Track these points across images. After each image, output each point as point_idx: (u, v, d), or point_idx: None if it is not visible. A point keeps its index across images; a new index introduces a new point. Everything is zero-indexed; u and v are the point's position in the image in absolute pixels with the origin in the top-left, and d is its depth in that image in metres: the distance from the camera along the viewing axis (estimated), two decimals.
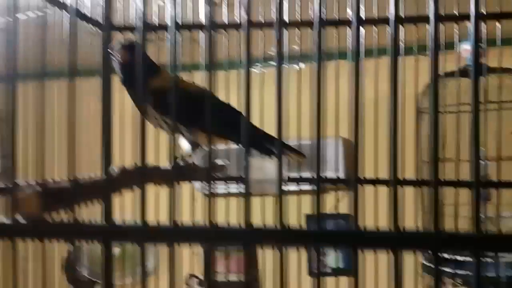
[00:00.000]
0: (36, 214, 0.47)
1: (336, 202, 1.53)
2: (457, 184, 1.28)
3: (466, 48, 2.07)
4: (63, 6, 1.14)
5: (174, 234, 0.45)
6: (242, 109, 1.20)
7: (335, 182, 1.42)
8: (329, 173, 1.47)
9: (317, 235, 0.43)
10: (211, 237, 0.45)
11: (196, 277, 3.36)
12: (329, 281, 1.42)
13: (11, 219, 0.47)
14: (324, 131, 1.36)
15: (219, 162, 1.26)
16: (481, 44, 1.99)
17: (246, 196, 0.45)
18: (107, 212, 0.46)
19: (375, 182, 1.33)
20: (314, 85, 1.44)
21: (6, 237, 0.47)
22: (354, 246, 0.42)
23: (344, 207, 1.41)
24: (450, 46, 1.38)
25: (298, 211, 1.40)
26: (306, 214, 1.39)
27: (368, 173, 1.36)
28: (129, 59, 1.05)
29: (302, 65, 1.46)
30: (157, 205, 1.32)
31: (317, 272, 0.50)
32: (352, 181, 0.45)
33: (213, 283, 1.56)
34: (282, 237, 0.44)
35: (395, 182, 0.41)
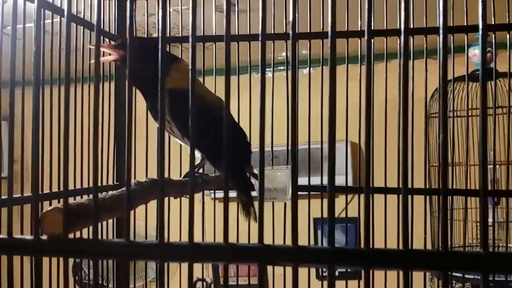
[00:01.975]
0: (58, 232, 0.48)
1: (344, 206, 1.53)
2: (467, 193, 1.29)
3: (475, 52, 2.07)
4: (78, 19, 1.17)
5: (193, 253, 0.47)
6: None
7: (345, 190, 1.42)
8: (337, 177, 1.48)
9: (332, 255, 0.44)
10: (228, 256, 0.46)
11: (204, 280, 3.37)
12: (338, 285, 1.42)
13: (34, 237, 0.48)
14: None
15: None
16: (489, 49, 1.99)
17: (261, 216, 0.47)
18: (127, 229, 0.48)
19: (384, 191, 1.34)
20: (319, 91, 1.43)
21: (30, 254, 0.49)
22: (367, 266, 0.44)
23: (352, 211, 1.41)
24: (459, 49, 1.38)
25: (305, 214, 1.42)
26: (314, 218, 1.40)
27: (378, 178, 1.36)
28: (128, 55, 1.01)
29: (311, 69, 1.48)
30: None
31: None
32: (366, 196, 0.47)
33: None
34: (297, 257, 0.45)
35: (405, 209, 0.42)
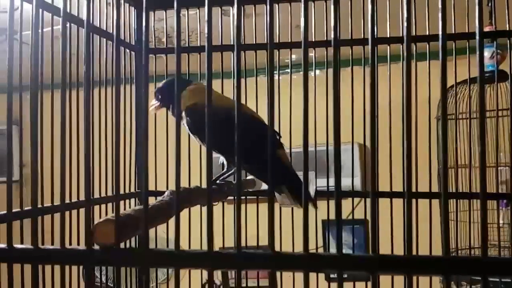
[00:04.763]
0: (109, 242, 0.50)
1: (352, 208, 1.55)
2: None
3: (485, 54, 2.07)
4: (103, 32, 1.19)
5: (241, 262, 0.49)
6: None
7: (351, 195, 1.43)
8: (345, 180, 1.48)
9: (377, 263, 0.46)
10: (274, 264, 0.48)
11: (213, 282, 3.37)
12: (346, 286, 1.43)
13: (87, 247, 0.50)
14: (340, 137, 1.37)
15: (249, 176, 1.30)
16: (499, 51, 2.00)
17: (305, 225, 0.49)
18: (177, 238, 0.50)
19: (390, 195, 1.36)
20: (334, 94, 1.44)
21: (84, 265, 0.51)
22: (374, 272, 0.45)
23: (360, 212, 1.41)
24: (471, 50, 1.38)
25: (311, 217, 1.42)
26: (322, 219, 1.40)
27: (384, 182, 1.37)
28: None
29: (317, 71, 1.49)
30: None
31: None
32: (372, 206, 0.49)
33: None
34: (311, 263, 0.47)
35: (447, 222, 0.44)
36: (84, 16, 0.55)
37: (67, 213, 0.99)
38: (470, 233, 1.37)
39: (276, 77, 1.46)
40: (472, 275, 0.46)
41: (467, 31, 1.36)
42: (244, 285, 1.89)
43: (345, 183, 1.56)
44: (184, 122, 1.11)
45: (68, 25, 1.10)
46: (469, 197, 1.33)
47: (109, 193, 1.21)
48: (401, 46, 1.31)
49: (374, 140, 0.50)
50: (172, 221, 1.30)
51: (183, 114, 1.10)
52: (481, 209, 0.46)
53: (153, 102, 1.18)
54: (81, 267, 0.66)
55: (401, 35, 1.36)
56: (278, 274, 1.53)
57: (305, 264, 0.48)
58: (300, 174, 1.27)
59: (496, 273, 0.44)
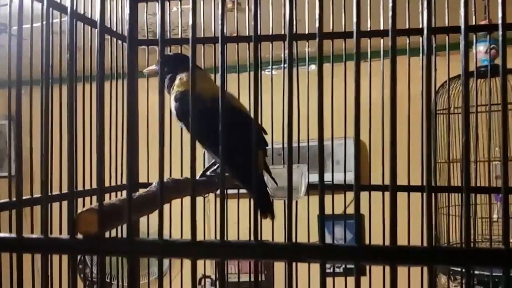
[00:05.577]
0: (93, 231, 0.50)
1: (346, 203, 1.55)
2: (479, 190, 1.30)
3: (480, 49, 2.07)
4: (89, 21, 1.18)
5: (224, 251, 0.49)
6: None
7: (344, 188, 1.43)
8: (339, 175, 1.48)
9: (360, 253, 0.46)
10: (258, 254, 0.48)
11: (209, 277, 3.39)
12: (341, 281, 1.44)
13: (71, 236, 0.50)
14: (334, 131, 1.37)
15: None
16: (494, 45, 1.99)
17: (289, 216, 0.49)
18: (161, 228, 0.49)
19: (383, 188, 1.36)
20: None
21: (67, 253, 0.51)
22: (355, 261, 0.45)
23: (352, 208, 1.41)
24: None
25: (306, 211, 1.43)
26: (318, 214, 1.39)
27: (376, 175, 1.37)
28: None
29: (312, 66, 1.49)
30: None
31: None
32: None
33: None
34: (324, 254, 0.47)
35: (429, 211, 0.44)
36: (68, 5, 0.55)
37: (57, 204, 0.98)
38: (462, 227, 1.37)
39: (269, 72, 1.46)
40: (455, 265, 0.46)
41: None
42: (236, 280, 1.89)
43: (340, 177, 1.57)
44: (172, 106, 1.11)
45: (59, 19, 1.10)
46: (460, 191, 1.34)
47: (106, 185, 1.21)
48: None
49: (357, 131, 0.50)
50: (166, 215, 1.31)
51: (172, 98, 1.10)
52: (464, 200, 0.46)
53: (153, 67, 1.20)
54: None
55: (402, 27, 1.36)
56: (277, 270, 1.53)
57: (288, 254, 0.48)
58: (295, 165, 1.28)
59: (478, 264, 0.44)
